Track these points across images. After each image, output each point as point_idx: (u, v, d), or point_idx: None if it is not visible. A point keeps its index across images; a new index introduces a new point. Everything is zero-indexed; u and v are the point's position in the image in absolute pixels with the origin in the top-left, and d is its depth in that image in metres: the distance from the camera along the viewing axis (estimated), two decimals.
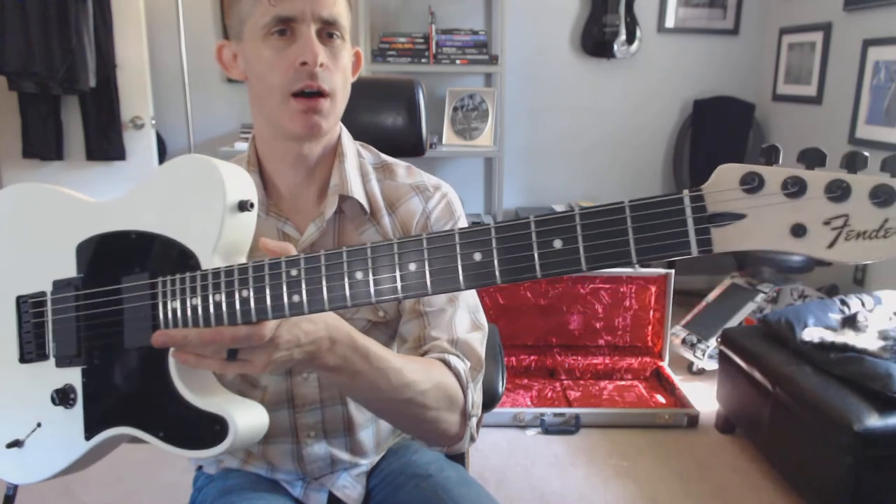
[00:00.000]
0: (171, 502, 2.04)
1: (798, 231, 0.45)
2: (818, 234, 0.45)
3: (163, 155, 3.56)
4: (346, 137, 1.00)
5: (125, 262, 0.74)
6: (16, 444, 0.79)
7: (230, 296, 0.67)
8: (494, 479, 2.18)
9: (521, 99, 3.71)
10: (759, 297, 2.82)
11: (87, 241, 0.78)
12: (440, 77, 3.59)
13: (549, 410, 2.48)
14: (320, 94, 0.86)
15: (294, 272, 0.65)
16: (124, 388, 0.75)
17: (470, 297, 1.00)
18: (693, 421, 2.49)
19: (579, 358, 2.83)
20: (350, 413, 1.01)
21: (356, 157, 1.00)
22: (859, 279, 2.96)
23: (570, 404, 2.61)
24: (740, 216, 0.47)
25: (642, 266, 2.80)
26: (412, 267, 0.61)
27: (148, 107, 3.38)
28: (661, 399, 2.68)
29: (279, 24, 0.84)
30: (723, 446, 2.38)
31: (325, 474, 1.04)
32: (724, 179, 0.48)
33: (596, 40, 3.60)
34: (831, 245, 0.44)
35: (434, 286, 0.60)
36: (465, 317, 0.97)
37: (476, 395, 0.97)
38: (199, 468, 1.12)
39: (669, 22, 3.66)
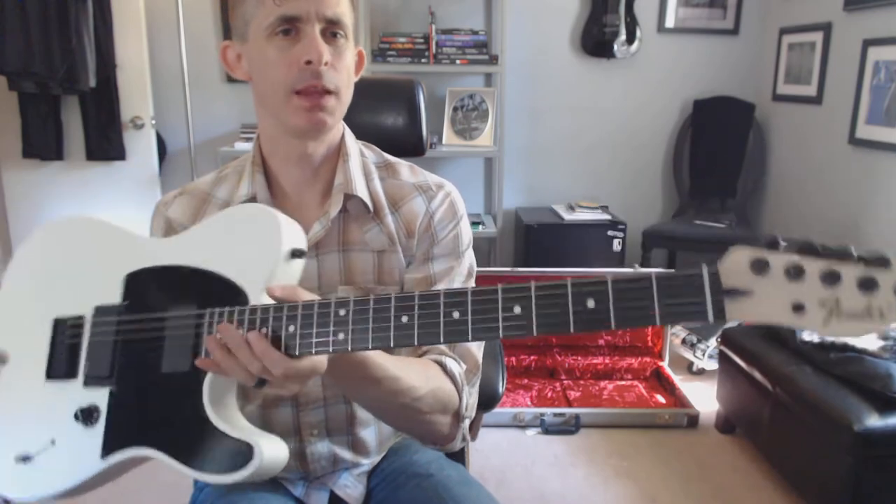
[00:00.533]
0: (171, 502, 2.04)
1: (798, 308, 0.53)
2: (814, 313, 0.52)
3: (163, 155, 3.56)
4: (350, 137, 1.01)
5: (173, 294, 0.79)
6: (26, 458, 0.81)
7: (276, 330, 0.71)
8: (494, 479, 2.18)
9: (521, 99, 3.71)
10: None
11: (137, 272, 0.82)
12: (440, 77, 3.59)
13: (549, 410, 2.48)
14: (325, 91, 0.87)
15: (342, 312, 0.69)
16: (151, 410, 0.78)
17: None
18: (693, 421, 2.49)
19: (579, 358, 2.83)
20: (353, 412, 1.01)
21: (359, 157, 1.01)
22: None
23: (570, 404, 2.61)
24: (750, 292, 0.54)
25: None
26: (455, 315, 0.65)
27: (148, 107, 3.38)
28: (661, 399, 2.68)
29: (284, 24, 0.84)
30: (723, 446, 2.38)
31: (326, 473, 1.04)
32: (737, 260, 0.55)
33: (596, 40, 3.60)
34: (825, 323, 0.52)
35: (474, 334, 0.65)
36: None
37: (471, 399, 0.98)
38: None
39: (669, 22, 3.66)
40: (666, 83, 3.74)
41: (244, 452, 0.72)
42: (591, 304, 0.61)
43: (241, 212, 0.82)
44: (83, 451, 0.79)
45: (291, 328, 0.70)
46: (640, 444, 2.38)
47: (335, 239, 0.97)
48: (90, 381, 0.81)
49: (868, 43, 2.88)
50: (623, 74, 3.72)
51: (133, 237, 0.86)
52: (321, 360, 0.72)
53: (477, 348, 1.00)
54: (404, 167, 1.04)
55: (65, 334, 0.83)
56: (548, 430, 2.44)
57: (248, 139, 3.38)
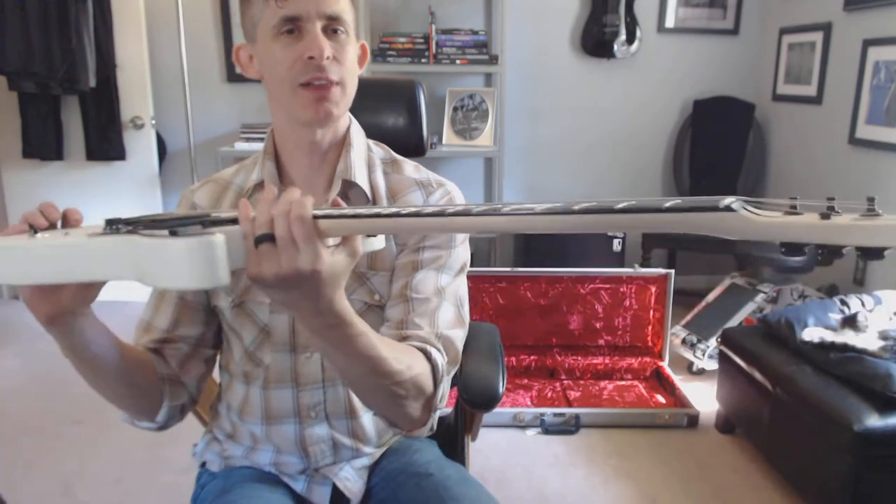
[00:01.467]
0: (171, 502, 2.04)
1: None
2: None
3: (163, 155, 3.56)
4: (356, 130, 1.05)
5: None
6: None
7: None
8: (494, 478, 2.18)
9: (521, 99, 3.71)
10: (759, 297, 2.82)
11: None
12: (440, 77, 3.59)
13: (549, 410, 2.48)
14: (329, 83, 0.92)
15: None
16: None
17: (460, 290, 1.02)
18: (693, 421, 2.49)
19: (579, 358, 2.83)
20: (351, 397, 1.04)
21: (364, 149, 1.05)
22: (859, 279, 2.96)
23: (570, 404, 2.61)
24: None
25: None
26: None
27: (148, 107, 3.38)
28: (661, 399, 2.68)
29: (287, 24, 0.90)
30: (723, 446, 2.38)
31: (327, 464, 1.05)
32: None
33: (596, 40, 3.60)
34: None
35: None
36: (449, 310, 0.99)
37: (445, 390, 0.97)
38: (203, 465, 1.12)
39: (669, 22, 3.66)
40: (666, 83, 3.74)
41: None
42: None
43: None
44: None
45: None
46: (640, 444, 2.38)
47: None
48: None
49: (868, 43, 2.88)
50: (623, 74, 3.72)
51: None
52: (326, 254, 0.68)
53: (460, 341, 0.99)
54: (409, 165, 1.08)
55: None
56: (548, 430, 2.44)
57: (248, 139, 3.38)
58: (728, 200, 0.56)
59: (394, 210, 0.67)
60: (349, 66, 0.94)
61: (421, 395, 0.91)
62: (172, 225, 0.70)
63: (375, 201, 1.02)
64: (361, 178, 1.01)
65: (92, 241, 0.73)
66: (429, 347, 0.93)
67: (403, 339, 0.94)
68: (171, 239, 0.68)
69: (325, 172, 1.02)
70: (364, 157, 1.04)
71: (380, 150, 1.09)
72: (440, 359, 0.94)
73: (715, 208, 0.56)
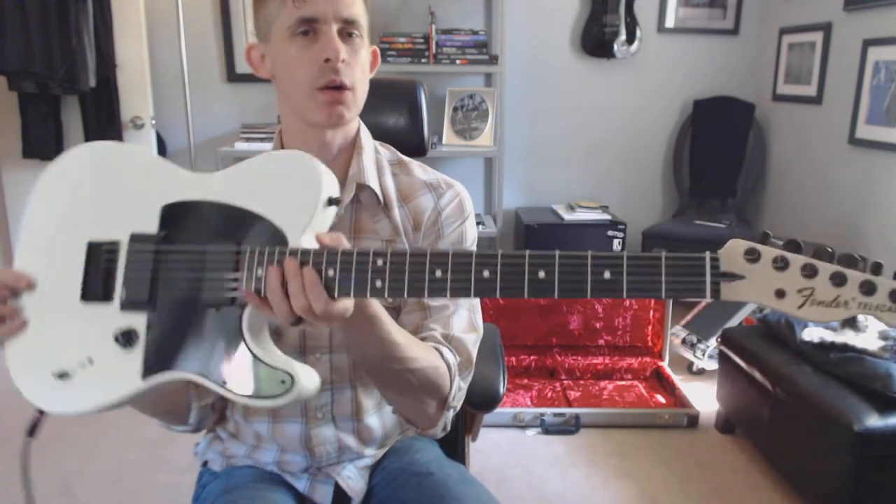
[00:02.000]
0: (171, 502, 2.04)
1: (780, 294, 0.63)
2: (793, 298, 0.63)
3: (163, 155, 3.56)
4: (365, 133, 1.06)
5: (211, 229, 0.82)
6: (63, 375, 0.84)
7: (317, 273, 0.74)
8: (494, 478, 2.18)
9: (521, 99, 3.71)
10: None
11: (174, 203, 0.84)
12: (440, 77, 3.59)
13: (549, 410, 2.48)
14: (343, 87, 0.92)
15: (380, 262, 0.74)
16: (190, 337, 0.80)
17: (473, 298, 1.04)
18: (693, 421, 2.49)
19: (579, 358, 2.83)
20: (358, 398, 1.04)
21: (373, 152, 1.06)
22: None
23: (570, 404, 2.61)
24: (742, 277, 0.64)
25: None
26: (486, 274, 0.71)
27: (148, 107, 3.38)
28: (661, 399, 2.68)
29: (303, 25, 0.90)
30: (723, 446, 2.38)
31: (332, 463, 1.05)
32: (734, 249, 0.64)
33: (596, 40, 3.60)
34: (800, 307, 0.63)
35: (502, 292, 0.70)
36: (463, 315, 1.03)
37: (460, 392, 1.02)
38: (204, 464, 1.12)
39: (669, 22, 3.66)
40: (666, 83, 3.74)
41: (283, 380, 0.77)
42: (607, 275, 0.67)
43: (283, 157, 0.84)
44: (123, 372, 0.82)
45: (331, 272, 0.74)
46: (640, 444, 2.38)
47: (347, 226, 1.02)
48: (127, 305, 0.83)
49: (868, 43, 2.88)
50: (623, 74, 3.72)
51: (171, 168, 0.87)
52: (350, 304, 0.77)
53: (472, 345, 1.03)
54: (416, 166, 1.09)
55: (100, 258, 0.85)
56: (548, 430, 2.45)
57: (248, 139, 3.38)
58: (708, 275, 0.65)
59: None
60: (362, 70, 0.96)
61: (435, 390, 0.96)
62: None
63: (386, 204, 1.03)
64: (373, 182, 1.01)
65: (142, 384, 0.81)
66: (442, 347, 0.98)
67: (421, 339, 0.98)
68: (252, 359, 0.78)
69: (335, 174, 1.01)
70: (373, 159, 1.04)
71: (386, 152, 1.09)
72: (452, 357, 0.98)
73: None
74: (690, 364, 2.89)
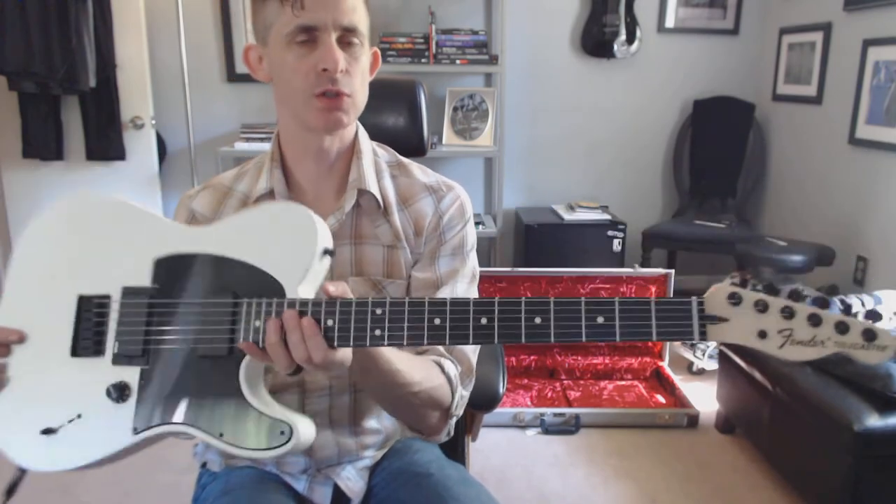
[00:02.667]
0: (171, 502, 2.04)
1: (762, 335, 0.68)
2: (774, 339, 0.67)
3: (163, 155, 3.56)
4: (363, 136, 1.06)
5: (205, 281, 0.81)
6: (49, 431, 0.82)
7: (316, 323, 0.76)
8: (494, 478, 2.18)
9: (521, 99, 3.71)
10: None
11: (166, 257, 0.83)
12: (440, 77, 3.59)
13: (549, 410, 2.48)
14: (340, 94, 0.92)
15: (379, 311, 0.75)
16: (185, 390, 0.80)
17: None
18: (693, 421, 2.49)
19: (579, 358, 2.83)
20: (357, 401, 1.04)
21: (371, 155, 1.05)
22: (859, 279, 2.96)
23: (570, 404, 2.61)
24: (727, 319, 0.69)
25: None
26: (483, 321, 0.73)
27: (148, 107, 3.38)
28: (661, 399, 2.68)
29: (302, 34, 0.89)
30: (723, 446, 2.38)
31: (331, 464, 1.05)
32: (719, 293, 0.69)
33: (596, 40, 3.60)
34: (781, 346, 0.67)
35: (500, 338, 0.73)
36: None
37: (462, 400, 1.04)
38: (203, 465, 1.12)
39: (669, 22, 3.66)
40: (666, 83, 3.74)
41: (282, 431, 0.78)
42: (600, 319, 0.71)
43: (277, 209, 0.85)
44: (114, 426, 0.81)
45: (330, 322, 0.76)
46: (640, 444, 2.38)
47: (348, 232, 1.02)
48: (120, 359, 0.82)
49: (868, 43, 2.88)
50: (623, 74, 3.72)
51: (160, 221, 0.87)
52: (349, 353, 0.78)
53: (472, 352, 1.05)
54: (416, 167, 1.09)
55: (90, 312, 0.84)
56: (548, 430, 2.45)
57: (248, 139, 3.38)
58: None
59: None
60: (360, 77, 0.95)
61: (438, 405, 0.99)
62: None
63: (386, 209, 1.02)
64: (373, 187, 1.02)
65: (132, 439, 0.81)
66: (442, 360, 1.00)
67: (421, 353, 1.00)
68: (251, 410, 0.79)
69: (334, 179, 1.02)
70: (372, 163, 1.04)
71: (385, 154, 1.09)
72: (453, 370, 1.00)
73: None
74: (690, 364, 2.89)
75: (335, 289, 0.77)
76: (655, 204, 3.90)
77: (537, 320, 0.72)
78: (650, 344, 2.86)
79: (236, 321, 0.79)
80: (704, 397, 2.61)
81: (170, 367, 0.81)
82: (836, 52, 3.13)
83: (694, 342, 0.69)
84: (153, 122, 3.40)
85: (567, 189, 3.84)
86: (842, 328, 0.66)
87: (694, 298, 0.69)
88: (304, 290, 0.79)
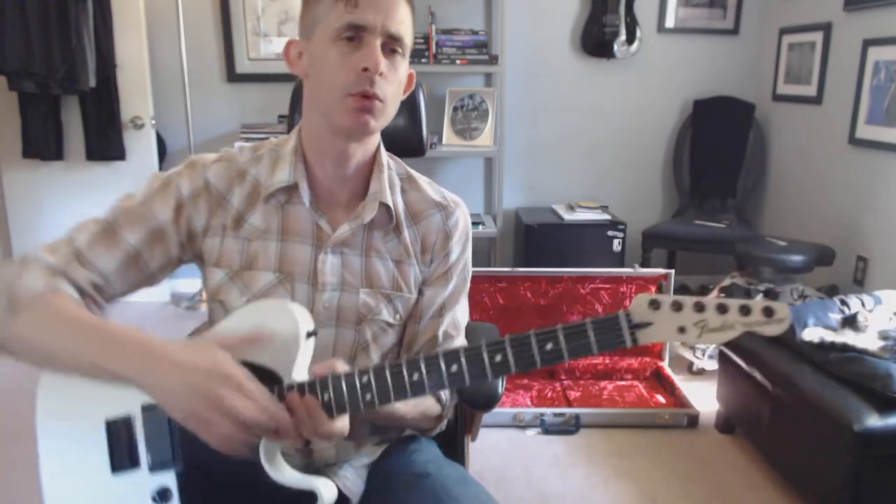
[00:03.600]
0: None
1: (682, 330, 0.77)
2: (692, 331, 0.77)
3: (163, 155, 3.56)
4: (382, 149, 1.06)
5: None
6: None
7: (315, 398, 0.85)
8: (494, 478, 2.18)
9: (521, 99, 3.71)
10: (759, 298, 2.82)
11: None
12: (440, 77, 3.59)
13: (549, 410, 2.48)
14: (374, 97, 0.92)
15: (365, 379, 0.85)
16: (218, 480, 0.89)
17: (466, 312, 1.15)
18: (693, 421, 2.49)
19: (579, 358, 2.83)
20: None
21: (387, 169, 1.06)
22: (859, 279, 2.96)
23: (570, 404, 2.61)
24: (651, 323, 0.78)
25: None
26: (454, 368, 0.83)
27: (148, 107, 3.38)
28: (661, 399, 2.68)
29: (350, 31, 0.90)
30: (723, 446, 2.38)
31: (329, 464, 1.05)
32: (640, 303, 0.78)
33: (596, 40, 3.60)
34: (699, 336, 0.76)
35: (470, 380, 0.83)
36: (461, 339, 1.13)
37: (451, 402, 1.12)
38: None
39: (669, 22, 3.66)
40: (666, 83, 3.74)
41: (312, 498, 0.88)
42: (549, 346, 0.80)
43: (261, 307, 0.94)
44: None
45: (327, 396, 0.85)
46: (640, 444, 2.38)
47: (359, 243, 1.03)
48: (156, 467, 0.90)
49: (868, 43, 2.88)
50: (623, 74, 3.72)
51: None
52: (346, 421, 0.87)
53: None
54: (424, 181, 1.10)
55: (119, 432, 0.90)
56: (548, 430, 2.44)
57: (248, 139, 3.38)
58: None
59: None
60: (396, 86, 0.96)
61: (428, 417, 1.08)
62: None
63: (397, 224, 1.04)
64: (391, 202, 1.03)
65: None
66: None
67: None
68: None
69: (349, 186, 1.02)
70: (387, 177, 1.05)
71: (395, 166, 1.09)
72: (446, 392, 1.07)
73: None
74: (690, 364, 2.89)
75: (322, 368, 0.86)
76: (655, 204, 3.90)
77: (497, 358, 0.81)
78: (650, 344, 2.86)
79: None
80: (704, 397, 2.61)
81: (201, 464, 0.89)
82: (836, 52, 3.13)
83: (626, 346, 0.78)
84: (153, 122, 3.41)
85: (567, 189, 3.84)
86: (745, 310, 0.74)
87: (621, 311, 0.79)
88: (298, 372, 0.87)
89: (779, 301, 0.74)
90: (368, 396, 0.84)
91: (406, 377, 0.84)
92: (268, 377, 0.85)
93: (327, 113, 0.95)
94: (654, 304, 0.77)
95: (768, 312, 0.73)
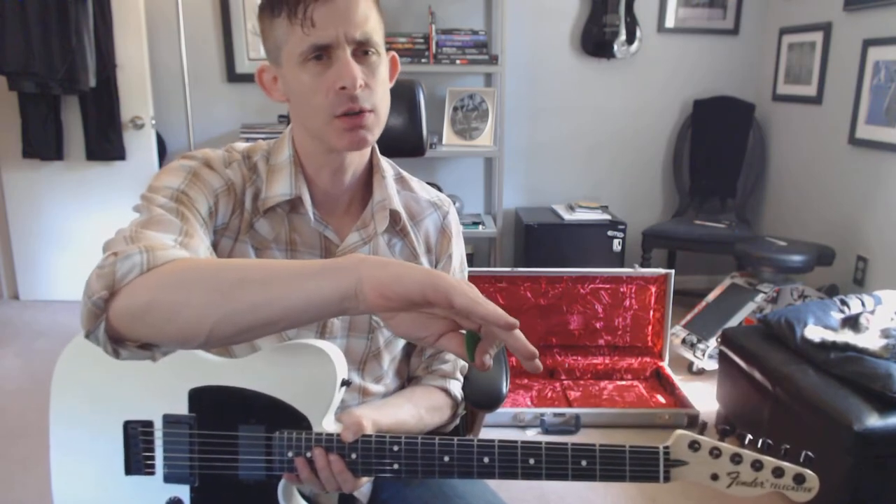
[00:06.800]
0: None
1: (714, 477, 0.81)
2: (723, 480, 0.80)
3: (163, 155, 3.56)
4: (377, 152, 1.04)
5: (240, 412, 0.88)
6: None
7: (342, 454, 0.84)
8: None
9: (521, 99, 3.71)
10: (759, 297, 2.82)
11: (201, 388, 0.89)
12: (440, 77, 3.59)
13: (549, 410, 2.48)
14: (363, 111, 0.88)
15: (395, 448, 0.84)
16: (231, 500, 0.89)
17: None
18: (693, 421, 2.49)
19: (579, 358, 2.83)
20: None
21: (387, 174, 1.05)
22: (859, 279, 2.96)
23: (570, 404, 2.61)
24: (686, 462, 0.82)
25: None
26: (485, 460, 0.84)
27: (148, 107, 3.38)
28: (661, 399, 2.68)
29: (315, 51, 0.86)
30: None
31: None
32: (681, 441, 0.82)
33: (596, 40, 3.60)
34: (729, 486, 0.80)
35: (500, 475, 0.85)
36: None
37: (462, 402, 1.13)
38: None
39: (669, 22, 3.66)
40: (666, 83, 3.74)
41: None
42: (584, 463, 0.83)
43: (299, 347, 0.90)
44: None
45: (354, 455, 0.84)
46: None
47: (367, 250, 1.01)
48: (170, 478, 0.89)
49: (868, 43, 2.88)
50: (623, 74, 3.72)
51: (193, 354, 0.91)
52: (368, 480, 0.88)
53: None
54: (414, 181, 1.10)
55: (137, 436, 0.90)
56: (548, 430, 2.44)
57: (248, 139, 3.38)
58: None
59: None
60: (381, 88, 0.91)
61: (442, 421, 1.08)
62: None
63: (401, 226, 1.04)
64: (398, 206, 1.02)
65: None
66: (447, 383, 1.09)
67: (431, 371, 1.10)
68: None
69: (348, 194, 1.00)
70: (388, 182, 1.04)
71: (389, 168, 1.07)
72: (458, 390, 1.10)
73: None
74: (690, 364, 2.89)
75: (353, 434, 0.84)
76: (655, 204, 3.90)
77: (531, 461, 0.83)
78: (650, 344, 2.86)
79: (271, 451, 0.86)
80: (704, 397, 2.61)
81: (215, 488, 0.89)
82: (836, 52, 3.13)
83: (659, 482, 0.82)
84: (153, 122, 3.41)
85: (567, 189, 3.84)
86: (778, 473, 0.80)
87: (661, 446, 0.81)
88: (328, 421, 0.87)
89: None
90: (396, 465, 0.84)
91: (437, 458, 0.84)
92: (293, 419, 0.86)
93: (319, 136, 0.91)
94: (694, 446, 0.81)
95: (799, 479, 0.78)
